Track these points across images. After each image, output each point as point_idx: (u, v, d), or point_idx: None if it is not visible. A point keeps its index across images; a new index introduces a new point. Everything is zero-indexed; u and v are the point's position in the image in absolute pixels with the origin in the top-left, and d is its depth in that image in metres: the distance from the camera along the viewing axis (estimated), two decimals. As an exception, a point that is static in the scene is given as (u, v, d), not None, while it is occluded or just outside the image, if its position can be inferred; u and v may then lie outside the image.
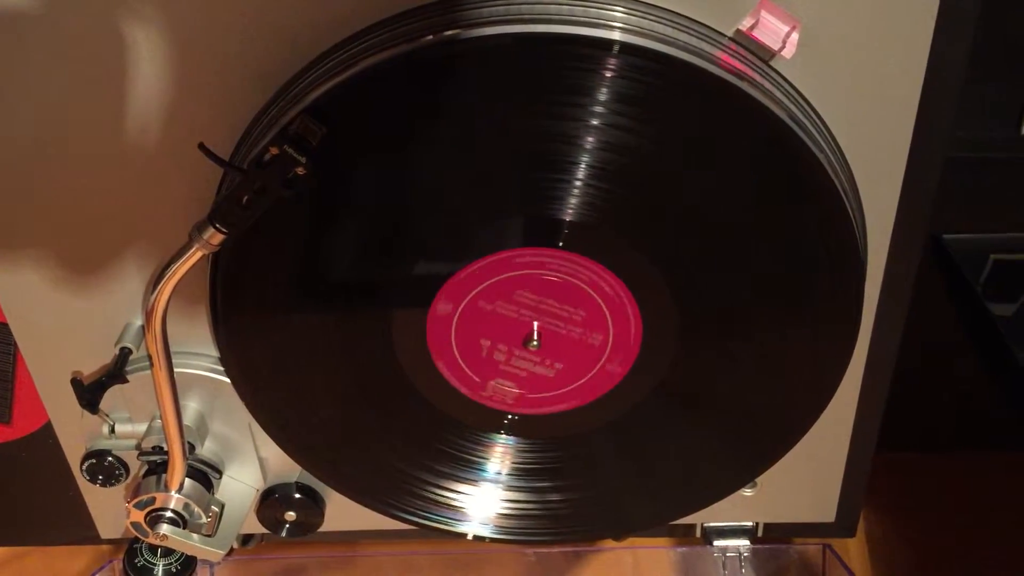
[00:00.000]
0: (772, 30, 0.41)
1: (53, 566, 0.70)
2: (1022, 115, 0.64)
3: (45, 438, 0.56)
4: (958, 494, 0.71)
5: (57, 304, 0.50)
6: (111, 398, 0.51)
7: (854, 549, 0.68)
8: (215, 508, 0.54)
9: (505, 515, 0.54)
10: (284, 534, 0.58)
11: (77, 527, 0.61)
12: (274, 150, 0.39)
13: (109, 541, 0.62)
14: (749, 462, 0.53)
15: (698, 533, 0.63)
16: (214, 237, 0.42)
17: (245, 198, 0.40)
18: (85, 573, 0.69)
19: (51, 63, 0.43)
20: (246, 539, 0.61)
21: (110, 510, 0.60)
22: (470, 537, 0.54)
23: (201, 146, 0.40)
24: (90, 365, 0.52)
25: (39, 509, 0.61)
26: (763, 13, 0.40)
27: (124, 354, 0.50)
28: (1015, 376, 0.63)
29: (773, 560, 0.65)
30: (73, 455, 0.56)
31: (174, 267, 0.43)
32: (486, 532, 0.54)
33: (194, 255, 0.43)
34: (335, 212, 0.43)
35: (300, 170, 0.39)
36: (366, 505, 0.54)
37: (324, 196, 0.42)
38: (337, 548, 0.68)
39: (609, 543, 0.66)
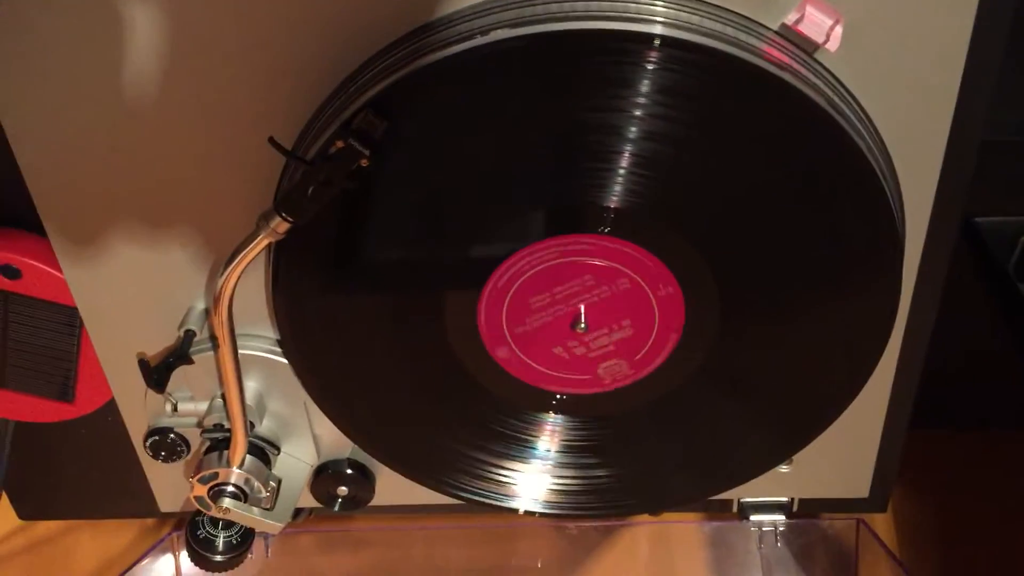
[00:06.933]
0: (816, 23, 0.41)
1: (101, 541, 0.71)
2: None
3: (104, 416, 0.58)
4: (986, 471, 0.71)
5: (125, 291, 0.51)
6: (173, 378, 0.52)
7: (881, 524, 0.69)
8: (273, 483, 0.56)
9: (553, 491, 0.55)
10: (336, 508, 0.59)
11: (134, 501, 0.63)
12: (340, 143, 0.40)
13: (167, 515, 0.64)
14: (787, 440, 0.54)
15: (734, 508, 0.64)
16: (280, 226, 0.43)
17: (310, 189, 0.42)
18: (133, 548, 0.71)
19: (112, 59, 0.44)
20: (296, 513, 0.63)
21: (169, 485, 0.62)
22: (521, 512, 0.55)
23: (271, 140, 0.41)
24: (153, 347, 0.54)
25: (98, 484, 0.63)
26: (808, 7, 0.41)
27: (189, 336, 0.51)
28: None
29: (806, 534, 0.66)
30: (136, 432, 0.58)
31: (242, 254, 0.45)
32: (536, 508, 0.55)
33: (261, 243, 0.44)
34: (391, 198, 0.44)
35: (364, 162, 0.41)
36: (418, 482, 0.55)
37: (383, 183, 0.43)
38: (368, 522, 0.68)
39: (644, 517, 0.67)
